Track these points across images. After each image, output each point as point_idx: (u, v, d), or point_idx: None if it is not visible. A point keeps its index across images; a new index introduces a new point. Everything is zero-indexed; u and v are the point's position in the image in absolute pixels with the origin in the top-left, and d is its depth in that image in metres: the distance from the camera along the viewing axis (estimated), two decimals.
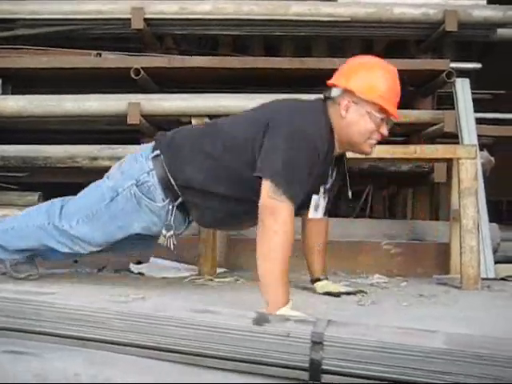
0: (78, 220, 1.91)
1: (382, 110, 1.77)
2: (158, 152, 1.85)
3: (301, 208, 1.80)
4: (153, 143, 1.92)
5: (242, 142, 1.76)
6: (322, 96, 1.87)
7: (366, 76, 1.79)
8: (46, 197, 3.02)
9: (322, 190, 1.89)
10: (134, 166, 1.87)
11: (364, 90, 1.76)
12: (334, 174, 1.93)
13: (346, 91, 1.78)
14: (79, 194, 2.01)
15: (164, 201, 1.83)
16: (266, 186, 1.63)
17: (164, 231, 1.85)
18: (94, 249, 1.97)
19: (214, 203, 1.83)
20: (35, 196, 2.96)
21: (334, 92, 1.81)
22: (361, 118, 1.77)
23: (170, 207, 1.83)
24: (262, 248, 1.59)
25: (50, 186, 3.11)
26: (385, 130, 1.81)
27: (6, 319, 1.18)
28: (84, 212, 1.90)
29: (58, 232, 1.93)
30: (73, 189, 3.23)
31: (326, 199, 1.93)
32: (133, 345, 1.11)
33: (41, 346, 1.13)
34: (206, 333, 1.07)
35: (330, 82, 1.84)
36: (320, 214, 1.92)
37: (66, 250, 1.97)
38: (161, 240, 1.87)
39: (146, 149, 1.92)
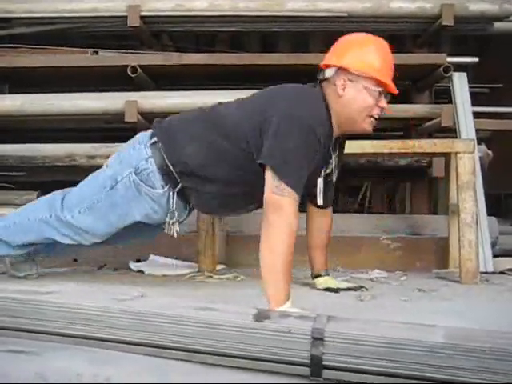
0: (80, 210, 1.91)
1: (378, 83, 1.76)
2: (155, 139, 1.85)
3: (305, 197, 1.80)
4: (150, 130, 1.91)
5: (241, 129, 1.76)
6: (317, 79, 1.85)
7: (358, 52, 1.78)
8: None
9: (322, 173, 1.88)
10: (132, 154, 1.87)
11: (358, 66, 1.75)
12: (335, 157, 1.93)
13: (341, 70, 1.76)
14: (79, 185, 2.01)
15: (163, 187, 1.83)
16: (270, 178, 1.63)
17: (168, 218, 1.85)
18: (97, 240, 1.97)
19: (213, 188, 1.82)
20: (33, 195, 2.95)
21: (328, 72, 1.79)
22: (359, 94, 1.76)
23: (171, 194, 1.83)
24: (266, 243, 1.59)
25: (48, 184, 3.10)
26: (384, 103, 1.80)
27: (7, 319, 1.19)
28: (85, 202, 1.91)
29: (61, 223, 1.93)
30: (71, 187, 3.22)
31: (328, 184, 1.92)
32: (134, 343, 1.11)
33: (42, 346, 1.14)
34: (206, 330, 1.08)
35: (322, 63, 1.84)
36: (321, 198, 1.90)
37: (69, 242, 1.97)
38: (166, 228, 1.87)
39: (143, 136, 1.91)
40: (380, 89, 1.77)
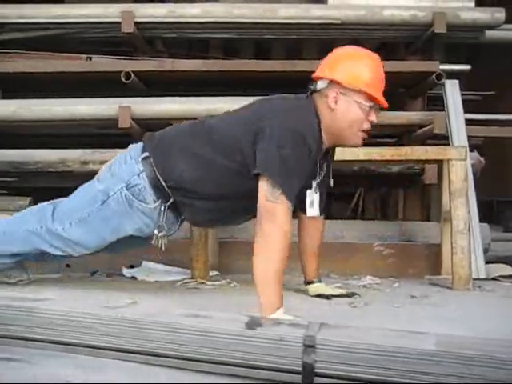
0: (71, 223, 1.90)
1: (369, 97, 1.77)
2: (146, 154, 1.84)
3: (296, 206, 1.81)
4: (141, 144, 1.91)
5: (233, 142, 1.76)
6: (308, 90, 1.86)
7: (350, 65, 1.79)
8: (37, 201, 3.00)
9: (313, 184, 1.89)
10: (124, 168, 1.86)
11: (350, 80, 1.76)
12: (324, 167, 1.94)
13: (333, 82, 1.77)
14: (70, 197, 2.00)
15: (155, 202, 1.83)
16: (264, 186, 1.64)
17: (156, 231, 1.85)
18: (88, 251, 1.97)
19: (205, 202, 1.82)
20: (26, 201, 2.94)
21: (320, 84, 1.80)
22: (350, 108, 1.77)
23: (162, 208, 1.83)
24: (260, 250, 1.59)
25: (40, 190, 3.10)
26: (373, 117, 1.81)
27: None
28: (76, 215, 1.90)
29: (51, 235, 1.92)
30: (64, 193, 3.21)
31: (318, 194, 1.93)
32: (125, 350, 1.11)
33: (32, 353, 1.13)
34: (198, 337, 1.07)
35: (314, 74, 1.85)
36: (316, 210, 1.92)
37: (59, 253, 1.96)
38: (153, 240, 1.87)
39: (134, 150, 1.90)
40: (371, 103, 1.78)
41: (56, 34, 3.18)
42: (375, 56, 1.85)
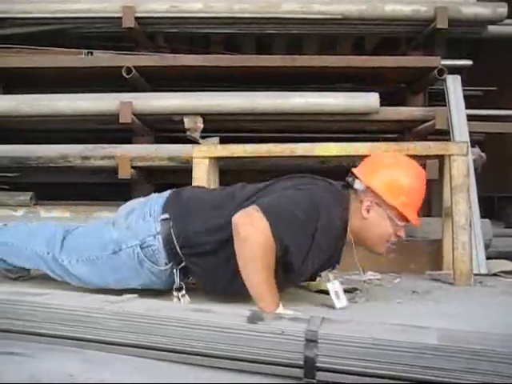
0: (78, 259, 1.85)
1: (403, 216, 1.72)
2: (167, 216, 1.77)
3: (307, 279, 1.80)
4: (164, 199, 1.82)
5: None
6: (345, 181, 1.79)
7: (393, 179, 1.72)
8: (39, 197, 3.01)
9: (330, 275, 1.84)
10: (141, 225, 1.79)
11: (388, 194, 1.70)
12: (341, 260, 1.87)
13: (370, 189, 1.72)
14: (83, 231, 1.94)
15: (167, 264, 1.77)
16: (250, 207, 1.60)
17: (175, 293, 1.78)
18: (84, 286, 1.89)
19: (220, 272, 1.75)
20: (27, 196, 2.95)
21: (358, 185, 1.74)
22: (382, 222, 1.72)
23: (174, 270, 1.77)
24: (243, 259, 1.57)
25: (42, 185, 3.10)
26: (402, 233, 1.76)
27: (0, 320, 1.18)
28: (85, 254, 1.85)
29: (56, 264, 1.89)
30: (65, 188, 3.21)
31: (338, 282, 1.85)
32: (128, 344, 1.11)
33: (35, 347, 1.13)
34: (200, 331, 1.08)
35: (355, 170, 1.78)
36: (344, 300, 1.80)
37: (58, 279, 1.94)
38: (175, 300, 1.78)
39: (156, 205, 1.81)
40: (403, 223, 1.73)
41: (57, 29, 3.18)
42: (420, 170, 1.78)
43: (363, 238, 1.76)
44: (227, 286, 1.76)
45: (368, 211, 1.72)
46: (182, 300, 1.77)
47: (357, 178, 1.75)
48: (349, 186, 1.77)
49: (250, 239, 1.55)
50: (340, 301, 1.78)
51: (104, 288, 1.84)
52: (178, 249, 1.75)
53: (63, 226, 2.00)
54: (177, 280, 1.77)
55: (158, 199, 1.84)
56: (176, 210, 1.79)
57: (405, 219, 1.73)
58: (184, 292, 1.78)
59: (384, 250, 1.79)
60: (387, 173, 1.75)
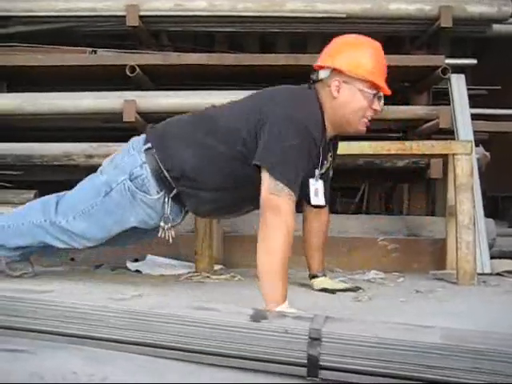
0: (75, 216, 1.90)
1: (372, 85, 1.77)
2: (149, 145, 1.84)
3: (300, 199, 1.80)
4: (143, 136, 1.91)
5: (234, 131, 1.75)
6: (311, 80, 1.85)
7: (352, 54, 1.78)
8: (42, 195, 3.01)
9: (316, 173, 1.87)
10: (126, 160, 1.86)
11: (353, 68, 1.75)
12: (329, 157, 1.93)
13: (335, 71, 1.77)
14: (73, 190, 2.00)
15: (158, 193, 1.83)
16: (266, 179, 1.63)
17: (162, 223, 1.85)
18: (92, 244, 1.97)
19: (208, 193, 1.82)
20: (31, 194, 2.95)
21: (322, 74, 1.79)
22: (353, 97, 1.76)
23: (166, 199, 1.83)
24: (263, 243, 1.59)
25: (45, 183, 3.10)
26: (377, 106, 1.80)
27: (3, 317, 1.18)
28: (79, 207, 1.90)
29: (55, 228, 1.92)
30: (69, 187, 3.22)
31: (323, 183, 1.91)
32: (131, 342, 1.11)
33: (38, 345, 1.13)
34: (203, 330, 1.08)
35: (316, 64, 1.84)
36: (321, 199, 1.90)
37: (63, 246, 1.96)
38: (160, 233, 1.86)
39: (137, 141, 1.89)
40: (374, 91, 1.78)
41: (61, 28, 3.18)
42: (377, 44, 1.84)
43: (340, 121, 1.80)
44: (217, 206, 1.87)
45: (338, 91, 1.76)
46: (167, 233, 1.83)
47: (319, 69, 1.80)
48: (313, 81, 1.81)
49: (276, 231, 1.57)
50: (317, 199, 1.87)
51: (109, 239, 1.90)
52: (166, 174, 1.80)
53: (55, 195, 2.02)
54: (167, 209, 1.82)
55: (138, 137, 1.91)
56: (156, 138, 1.86)
57: (375, 87, 1.77)
58: (170, 225, 1.84)
59: (362, 128, 1.83)
60: (347, 50, 1.80)
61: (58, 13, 3.12)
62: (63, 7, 3.12)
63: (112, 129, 3.24)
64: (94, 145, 2.89)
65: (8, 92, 3.19)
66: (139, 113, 2.88)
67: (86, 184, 1.97)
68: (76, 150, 2.89)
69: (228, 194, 1.83)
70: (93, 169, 3.06)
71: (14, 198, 2.95)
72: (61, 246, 1.96)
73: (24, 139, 3.01)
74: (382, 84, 1.79)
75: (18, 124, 3.17)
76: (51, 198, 2.00)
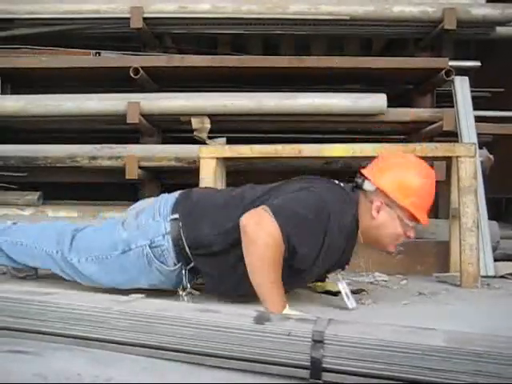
0: (88, 258, 1.86)
1: (412, 216, 1.71)
2: (177, 216, 1.77)
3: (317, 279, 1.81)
4: (173, 199, 1.83)
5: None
6: (354, 181, 1.79)
7: (401, 178, 1.71)
8: (46, 197, 3.02)
9: (339, 275, 1.84)
10: (151, 224, 1.79)
11: (399, 196, 1.69)
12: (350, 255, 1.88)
13: (379, 189, 1.72)
14: (92, 229, 1.95)
15: (175, 265, 1.78)
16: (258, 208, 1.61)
17: (180, 292, 1.79)
18: (93, 285, 1.89)
19: (228, 273, 1.75)
20: (35, 196, 2.96)
21: (368, 186, 1.73)
22: (391, 222, 1.72)
23: (183, 271, 1.78)
24: (251, 260, 1.56)
25: (50, 185, 3.11)
26: (412, 234, 1.75)
27: (9, 319, 1.19)
28: (94, 253, 1.85)
29: (65, 263, 1.89)
30: (73, 188, 3.22)
31: (345, 284, 1.86)
32: (135, 344, 1.11)
33: (43, 346, 1.14)
34: (207, 332, 1.08)
35: (363, 171, 1.78)
36: (353, 301, 1.81)
37: (67, 278, 1.94)
38: (180, 299, 1.79)
39: (165, 205, 1.82)
40: (413, 223, 1.73)
41: (65, 30, 3.19)
42: (430, 170, 1.78)
43: (373, 238, 1.76)
44: (235, 287, 1.76)
45: (378, 212, 1.72)
46: (185, 299, 1.78)
47: (366, 178, 1.75)
48: (358, 186, 1.77)
49: (258, 240, 1.55)
50: (351, 301, 1.79)
51: (113, 287, 1.85)
52: (187, 249, 1.75)
53: (72, 225, 2.01)
54: (185, 281, 1.77)
55: (168, 199, 1.84)
56: (185, 211, 1.79)
57: (415, 219, 1.72)
58: (188, 291, 1.78)
59: (393, 249, 1.80)
60: (397, 173, 1.74)
61: (62, 15, 3.13)
62: (67, 9, 3.13)
63: (116, 131, 3.26)
64: (98, 146, 2.90)
65: (12, 94, 3.21)
66: (143, 114, 2.89)
67: (106, 230, 1.90)
68: (80, 151, 2.89)
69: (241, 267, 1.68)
70: (96, 170, 3.07)
71: (18, 200, 2.96)
72: (65, 277, 1.94)
73: (28, 141, 3.02)
74: (423, 218, 1.72)
75: (22, 126, 3.19)
76: (67, 231, 1.94)
